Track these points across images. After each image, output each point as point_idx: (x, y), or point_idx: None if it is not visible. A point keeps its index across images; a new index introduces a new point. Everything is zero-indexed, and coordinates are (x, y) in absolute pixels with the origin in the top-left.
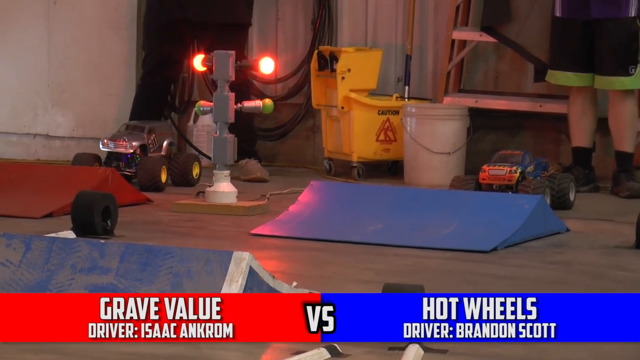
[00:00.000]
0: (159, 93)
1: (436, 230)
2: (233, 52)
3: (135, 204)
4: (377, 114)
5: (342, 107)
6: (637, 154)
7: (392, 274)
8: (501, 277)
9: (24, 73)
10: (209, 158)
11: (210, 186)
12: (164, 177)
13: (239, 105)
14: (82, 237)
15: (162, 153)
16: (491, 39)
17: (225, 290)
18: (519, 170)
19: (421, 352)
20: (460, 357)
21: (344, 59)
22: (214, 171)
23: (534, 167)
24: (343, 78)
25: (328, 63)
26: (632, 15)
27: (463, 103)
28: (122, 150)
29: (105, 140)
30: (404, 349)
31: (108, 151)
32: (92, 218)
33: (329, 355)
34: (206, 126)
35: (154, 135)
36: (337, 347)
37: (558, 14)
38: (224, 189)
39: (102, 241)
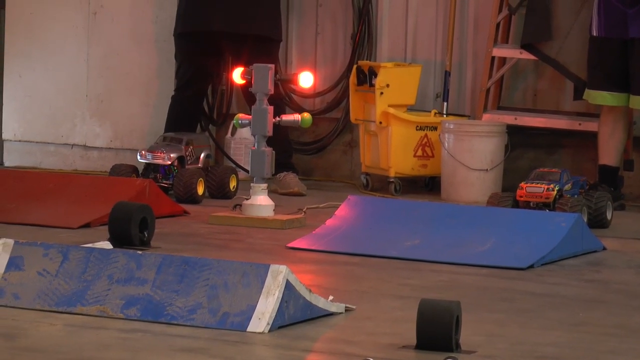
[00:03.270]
0: (192, 106)
1: (472, 246)
2: (272, 66)
3: (172, 216)
4: (415, 130)
5: (380, 122)
6: None
7: (428, 290)
8: (538, 294)
9: (63, 83)
10: (247, 171)
11: (247, 199)
12: (200, 190)
13: (278, 118)
14: (119, 248)
15: (199, 165)
16: (531, 57)
17: (261, 303)
18: (557, 188)
19: None
20: None
21: (383, 74)
22: (252, 184)
23: (572, 185)
24: (382, 93)
25: (367, 78)
26: None
27: (502, 120)
28: (159, 161)
29: (143, 152)
30: None
31: (145, 162)
32: (129, 229)
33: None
34: (244, 139)
35: (191, 147)
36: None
37: (595, 33)
38: (261, 202)
39: (139, 252)
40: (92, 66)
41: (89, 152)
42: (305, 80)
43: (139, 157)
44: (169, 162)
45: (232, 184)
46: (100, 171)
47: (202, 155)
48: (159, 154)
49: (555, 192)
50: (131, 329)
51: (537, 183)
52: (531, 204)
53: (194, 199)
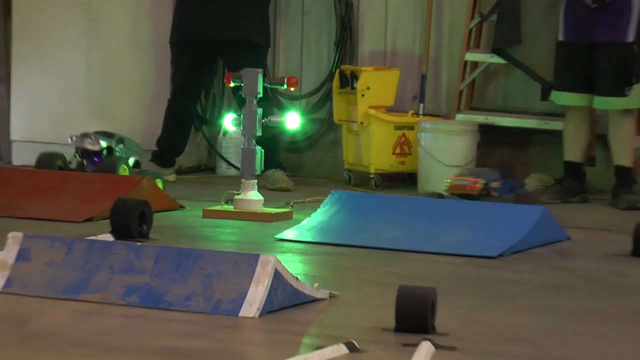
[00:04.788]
0: (187, 108)
1: (447, 237)
2: (261, 70)
3: (169, 210)
4: (393, 129)
5: (362, 123)
6: (635, 168)
7: (407, 278)
8: (507, 281)
9: (66, 88)
10: (237, 168)
11: (238, 194)
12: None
13: (266, 119)
14: (119, 240)
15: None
16: (501, 61)
17: (252, 290)
18: (483, 183)
19: (432, 349)
20: (469, 354)
21: (364, 78)
22: (242, 180)
23: (500, 185)
24: (363, 95)
25: (349, 81)
26: (630, 40)
27: (474, 120)
28: (88, 146)
29: (74, 137)
30: (416, 345)
31: (75, 147)
32: (129, 223)
33: (347, 351)
34: (234, 138)
35: (122, 145)
36: (355, 343)
37: (562, 38)
38: (251, 197)
39: (138, 244)
40: (93, 71)
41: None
42: (292, 121)
43: (69, 141)
44: (98, 149)
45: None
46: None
47: (131, 158)
48: (88, 139)
49: (482, 186)
50: (132, 315)
51: (465, 177)
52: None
53: None
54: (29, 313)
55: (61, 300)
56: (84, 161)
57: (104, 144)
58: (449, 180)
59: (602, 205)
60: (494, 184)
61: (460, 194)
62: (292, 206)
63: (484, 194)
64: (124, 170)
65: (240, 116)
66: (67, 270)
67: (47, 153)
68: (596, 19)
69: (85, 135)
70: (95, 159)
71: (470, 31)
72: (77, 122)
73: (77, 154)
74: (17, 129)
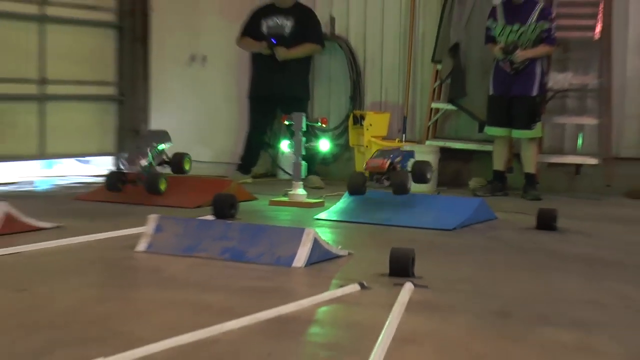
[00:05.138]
0: (258, 139)
1: (421, 217)
2: (304, 114)
3: (248, 200)
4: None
5: (367, 146)
6: (537, 174)
7: (396, 242)
8: (459, 244)
9: (183, 123)
10: (290, 175)
11: (290, 191)
12: (163, 186)
13: (307, 144)
14: (217, 219)
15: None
16: (453, 108)
17: (299, 250)
18: (389, 162)
19: (412, 286)
20: (435, 290)
21: (368, 118)
22: (293, 182)
23: (401, 159)
24: (367, 129)
25: (359, 120)
26: (534, 94)
27: (436, 144)
28: (136, 167)
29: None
30: (402, 284)
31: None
32: (223, 208)
33: (360, 288)
34: (288, 156)
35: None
36: (364, 283)
37: (492, 92)
38: (298, 192)
39: (229, 222)
40: (200, 113)
41: (200, 164)
42: (323, 145)
43: (122, 166)
44: (143, 166)
45: (162, 186)
46: (205, 175)
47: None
48: (134, 166)
49: (388, 164)
50: (225, 266)
51: (377, 159)
52: (374, 175)
53: (158, 191)
54: (162, 264)
55: (181, 257)
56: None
57: (144, 162)
58: (367, 163)
59: (516, 198)
60: (397, 159)
61: (376, 171)
62: (324, 198)
63: (392, 169)
64: (162, 182)
65: (291, 142)
66: (185, 238)
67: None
68: (512, 80)
69: (132, 161)
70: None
71: (434, 89)
72: (191, 145)
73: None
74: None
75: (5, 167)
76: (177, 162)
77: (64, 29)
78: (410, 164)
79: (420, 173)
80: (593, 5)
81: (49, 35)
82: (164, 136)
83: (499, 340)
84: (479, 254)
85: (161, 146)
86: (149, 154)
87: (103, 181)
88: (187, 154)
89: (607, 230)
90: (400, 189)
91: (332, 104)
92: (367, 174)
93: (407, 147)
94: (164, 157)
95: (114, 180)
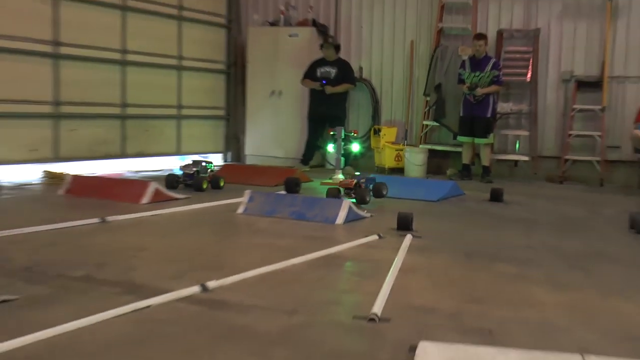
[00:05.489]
0: (314, 144)
1: (416, 191)
2: (342, 127)
3: (307, 182)
4: (394, 150)
5: (382, 148)
6: (489, 167)
7: (401, 208)
8: (440, 210)
9: (265, 132)
10: (333, 166)
11: (334, 176)
12: (204, 185)
13: (344, 147)
14: (288, 193)
15: (207, 175)
16: (437, 124)
17: (340, 213)
18: (355, 181)
19: (411, 236)
20: (425, 238)
21: (383, 130)
22: (335, 170)
23: (365, 181)
24: (382, 137)
25: (377, 131)
26: (488, 116)
27: (427, 147)
28: (188, 171)
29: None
30: (405, 235)
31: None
32: (292, 187)
33: (378, 238)
34: (332, 154)
35: (203, 167)
36: (381, 234)
37: (462, 114)
38: (338, 177)
39: (295, 195)
40: (277, 125)
41: (276, 159)
42: (355, 147)
43: (180, 169)
44: (192, 172)
45: (222, 183)
46: (279, 165)
47: (209, 171)
48: (188, 168)
49: (355, 183)
50: (292, 223)
51: (348, 180)
52: (345, 190)
53: (202, 189)
54: (253, 222)
55: (265, 217)
56: (187, 178)
57: (195, 168)
58: (340, 180)
59: (477, 182)
60: (362, 181)
61: (346, 187)
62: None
63: (357, 186)
64: (205, 183)
65: (334, 145)
66: (267, 205)
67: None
68: (474, 107)
69: (187, 166)
70: (191, 177)
71: (425, 112)
72: (270, 147)
73: (185, 174)
74: (248, 148)
75: (155, 160)
76: (216, 181)
77: (194, 74)
78: (372, 185)
79: (378, 190)
80: (525, 59)
81: (184, 79)
82: (210, 164)
83: (466, 270)
84: (453, 216)
85: (210, 166)
86: (200, 168)
87: (163, 180)
88: (221, 177)
89: (534, 202)
90: (361, 201)
91: (360, 121)
92: (341, 189)
93: (371, 175)
94: (209, 175)
95: (171, 180)
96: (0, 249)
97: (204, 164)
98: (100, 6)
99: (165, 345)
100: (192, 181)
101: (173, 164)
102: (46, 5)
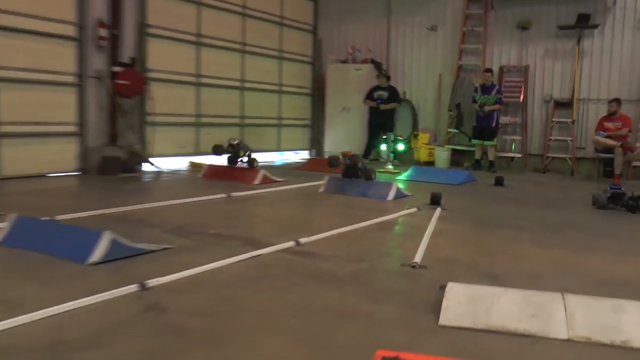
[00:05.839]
0: (371, 144)
1: (443, 178)
2: (392, 132)
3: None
4: (427, 149)
5: (419, 147)
6: (494, 160)
7: (432, 189)
8: (460, 192)
9: (339, 137)
10: (385, 159)
11: (385, 167)
12: (242, 152)
13: (393, 146)
14: (352, 178)
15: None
16: (457, 131)
17: (390, 193)
18: (353, 154)
19: (440, 209)
20: (450, 210)
21: (420, 135)
22: (386, 163)
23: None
24: (419, 139)
25: (416, 135)
26: (493, 125)
27: (451, 147)
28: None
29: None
30: (435, 208)
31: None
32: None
33: (417, 210)
34: (384, 152)
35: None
36: (419, 207)
37: (474, 124)
38: (389, 167)
39: (359, 179)
40: (346, 131)
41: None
42: (401, 147)
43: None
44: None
45: (256, 164)
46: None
47: (248, 153)
48: (231, 148)
49: (352, 154)
50: (358, 199)
51: (350, 151)
52: (343, 158)
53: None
54: (331, 198)
55: (339, 194)
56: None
57: (236, 141)
58: (389, 169)
59: (485, 172)
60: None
61: (345, 155)
62: (400, 170)
63: (352, 156)
64: (241, 152)
65: (387, 145)
66: (340, 186)
67: (332, 155)
68: (484, 119)
69: (231, 145)
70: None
71: (449, 123)
72: (342, 146)
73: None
74: (326, 147)
75: (263, 154)
76: (250, 161)
77: (289, 96)
78: (363, 167)
79: (367, 174)
80: (518, 86)
81: (283, 99)
82: (249, 146)
83: (478, 233)
84: (468, 195)
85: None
86: (243, 151)
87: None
88: (255, 159)
89: (525, 186)
90: (354, 167)
91: (404, 129)
92: (340, 157)
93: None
94: (248, 155)
95: (234, 157)
96: (160, 214)
97: (247, 148)
98: (228, 50)
99: (271, 281)
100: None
101: (275, 158)
102: (191, 50)
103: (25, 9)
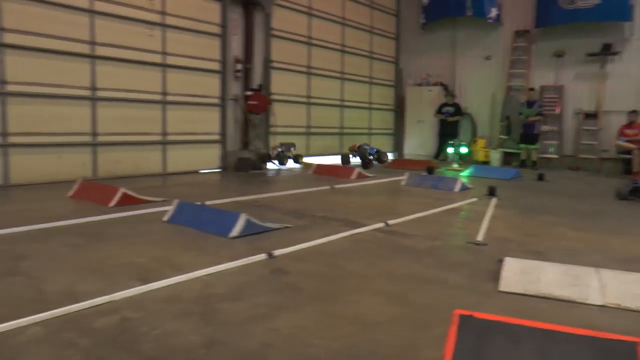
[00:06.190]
0: (441, 149)
1: (497, 174)
2: (457, 139)
3: (437, 168)
4: (484, 151)
5: (477, 150)
6: (537, 161)
7: (489, 183)
8: (511, 185)
9: (416, 142)
10: (451, 160)
11: (452, 165)
12: (285, 161)
13: (458, 149)
14: (429, 174)
15: (290, 153)
16: (507, 137)
17: (456, 185)
18: (358, 146)
19: (495, 199)
20: (502, 200)
21: (478, 140)
22: (453, 162)
23: (368, 147)
24: (477, 144)
25: (475, 141)
26: (536, 132)
27: (502, 150)
28: (276, 152)
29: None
30: (491, 198)
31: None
32: (430, 170)
33: (476, 199)
34: (451, 154)
35: (285, 147)
36: (478, 198)
37: (521, 132)
38: (454, 166)
39: (432, 175)
40: (420, 138)
41: (419, 156)
42: (464, 149)
43: (275, 149)
44: (276, 153)
45: (300, 160)
46: (421, 159)
47: (292, 149)
48: (278, 150)
49: (358, 146)
50: (431, 191)
51: (355, 144)
52: (351, 153)
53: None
54: (410, 190)
55: (417, 187)
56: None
57: (279, 149)
58: (455, 167)
59: (530, 170)
60: (365, 147)
61: (352, 150)
62: (463, 168)
63: (359, 147)
64: (285, 159)
65: (453, 149)
66: (417, 180)
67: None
68: (529, 127)
69: (278, 146)
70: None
71: (501, 130)
72: (417, 150)
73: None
74: (405, 150)
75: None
76: (296, 157)
77: (378, 112)
78: (374, 152)
79: (380, 157)
80: (555, 101)
81: (373, 114)
82: (293, 145)
83: (524, 218)
84: (516, 188)
85: (292, 149)
86: (286, 148)
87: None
88: (300, 155)
89: (561, 181)
90: (362, 157)
91: (466, 136)
92: (349, 151)
93: (372, 147)
94: (292, 153)
95: (265, 156)
96: (281, 201)
97: (290, 146)
98: (330, 78)
99: (366, 253)
100: (278, 159)
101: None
102: (303, 78)
103: (185, 51)
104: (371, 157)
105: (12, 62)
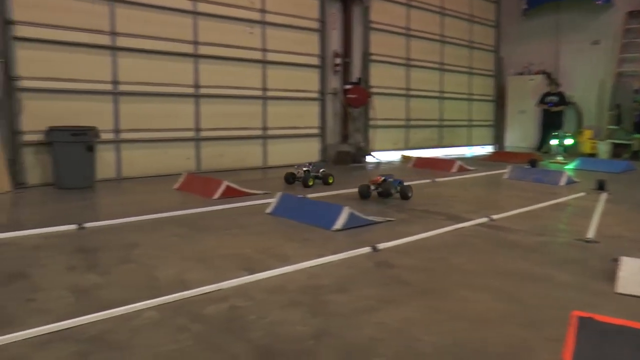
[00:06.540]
0: (544, 140)
1: (605, 167)
2: (561, 130)
3: (540, 161)
4: (591, 143)
5: (584, 141)
6: None
7: (597, 177)
8: (621, 178)
9: (517, 134)
10: (555, 152)
11: (556, 158)
12: (311, 182)
13: (563, 141)
14: (532, 167)
15: (319, 173)
16: (617, 127)
17: (561, 179)
18: (383, 178)
19: (606, 194)
20: (614, 195)
21: (584, 132)
22: (557, 155)
23: (392, 180)
24: (584, 135)
25: (581, 132)
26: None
27: (610, 141)
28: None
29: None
30: (601, 193)
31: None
32: (533, 163)
33: (585, 194)
34: (554, 147)
35: (314, 167)
36: (586, 192)
37: (635, 120)
38: (559, 159)
39: (534, 168)
40: (523, 129)
41: (521, 148)
42: (569, 141)
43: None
44: (302, 173)
45: (330, 180)
46: (522, 152)
47: (321, 170)
48: (301, 170)
49: (382, 179)
50: (535, 184)
51: (379, 177)
52: (372, 186)
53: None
54: (513, 183)
55: (519, 180)
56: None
57: (305, 169)
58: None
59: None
60: (390, 179)
61: (375, 183)
62: (567, 161)
63: (383, 182)
64: (311, 181)
65: (557, 141)
66: (520, 173)
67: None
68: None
69: (301, 166)
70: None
71: (608, 120)
72: (519, 141)
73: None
74: (507, 142)
75: (455, 149)
76: (324, 176)
77: (478, 103)
78: (397, 184)
79: (404, 192)
80: None
81: (473, 105)
82: (323, 164)
83: (638, 215)
84: (629, 182)
85: (322, 169)
86: (311, 169)
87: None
88: (330, 174)
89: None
90: (386, 194)
91: (570, 126)
92: (370, 184)
93: (396, 178)
94: (319, 173)
95: (289, 176)
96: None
97: (318, 167)
98: (429, 69)
99: (470, 248)
100: (303, 179)
101: (464, 151)
102: (402, 71)
103: (284, 47)
104: (392, 191)
105: (123, 64)
